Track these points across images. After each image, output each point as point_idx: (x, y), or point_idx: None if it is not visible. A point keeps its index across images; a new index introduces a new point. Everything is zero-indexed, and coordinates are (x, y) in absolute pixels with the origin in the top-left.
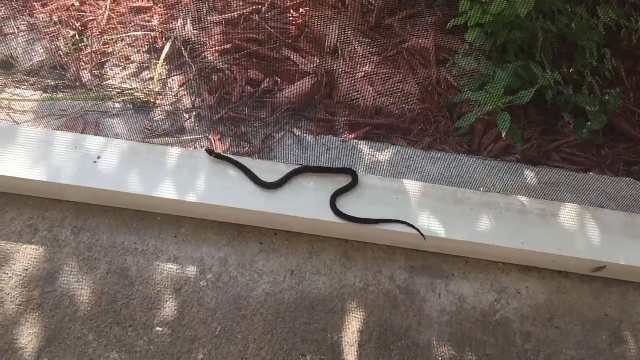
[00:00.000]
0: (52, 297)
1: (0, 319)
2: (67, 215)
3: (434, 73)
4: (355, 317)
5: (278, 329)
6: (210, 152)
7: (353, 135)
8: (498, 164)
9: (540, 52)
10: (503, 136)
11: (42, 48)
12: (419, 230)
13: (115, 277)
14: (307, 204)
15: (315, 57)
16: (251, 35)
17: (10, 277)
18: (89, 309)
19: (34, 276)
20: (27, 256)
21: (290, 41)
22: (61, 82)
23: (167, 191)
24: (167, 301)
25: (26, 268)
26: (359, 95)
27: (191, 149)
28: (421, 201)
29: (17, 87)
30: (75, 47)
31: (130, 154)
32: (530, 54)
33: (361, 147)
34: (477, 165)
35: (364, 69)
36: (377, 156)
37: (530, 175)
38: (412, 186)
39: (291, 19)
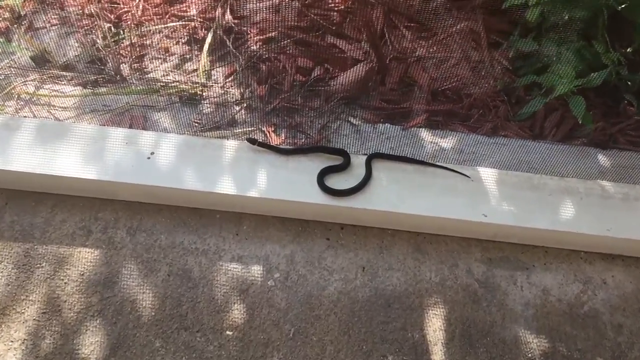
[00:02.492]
0: (113, 302)
1: (59, 327)
2: (121, 215)
3: (486, 56)
4: (434, 313)
5: (355, 328)
6: (253, 141)
7: (412, 123)
8: (567, 148)
9: (602, 30)
10: (580, 121)
11: (77, 42)
12: (459, 172)
13: (178, 279)
14: (375, 195)
15: (363, 43)
16: (293, 22)
17: (65, 283)
18: (153, 313)
19: (91, 281)
20: (81, 260)
21: (334, 28)
22: (100, 76)
23: (225, 186)
24: (234, 303)
25: (82, 273)
26: (412, 81)
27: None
28: (496, 188)
29: (55, 83)
30: (113, 39)
31: (185, 149)
32: (586, 33)
33: (422, 134)
34: (545, 150)
35: (415, 53)
36: (440, 143)
37: (602, 159)
38: (485, 173)
39: (332, 4)
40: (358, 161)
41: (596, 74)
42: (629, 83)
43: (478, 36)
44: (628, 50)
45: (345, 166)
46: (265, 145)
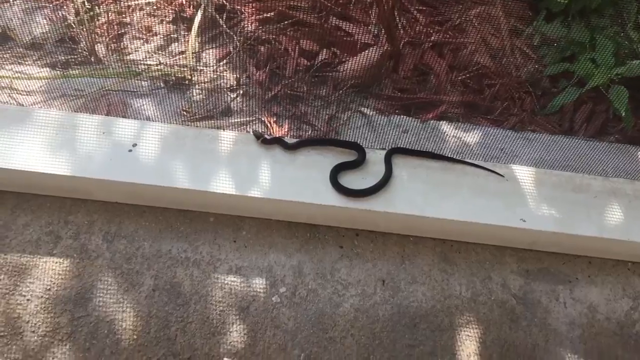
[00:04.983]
0: (86, 323)
1: (20, 355)
2: (96, 219)
3: (507, 43)
4: (467, 335)
5: (376, 353)
6: (259, 136)
7: (430, 115)
8: (602, 145)
9: (635, 15)
10: (622, 115)
11: (45, 18)
12: (492, 170)
13: (165, 294)
14: (396, 197)
15: (371, 27)
16: (292, 2)
17: (28, 300)
18: (135, 337)
19: (60, 297)
20: (48, 272)
21: (338, 8)
22: (72, 57)
23: (221, 185)
24: (233, 323)
25: (48, 287)
26: (428, 69)
27: (245, 132)
28: (535, 189)
29: (18, 64)
30: (87, 15)
31: (173, 140)
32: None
33: (442, 127)
34: (581, 147)
35: (430, 39)
36: (463, 138)
37: None
38: (521, 171)
39: None
40: (375, 157)
41: (637, 62)
42: None
43: (498, 21)
44: None
45: (360, 162)
46: (271, 142)
